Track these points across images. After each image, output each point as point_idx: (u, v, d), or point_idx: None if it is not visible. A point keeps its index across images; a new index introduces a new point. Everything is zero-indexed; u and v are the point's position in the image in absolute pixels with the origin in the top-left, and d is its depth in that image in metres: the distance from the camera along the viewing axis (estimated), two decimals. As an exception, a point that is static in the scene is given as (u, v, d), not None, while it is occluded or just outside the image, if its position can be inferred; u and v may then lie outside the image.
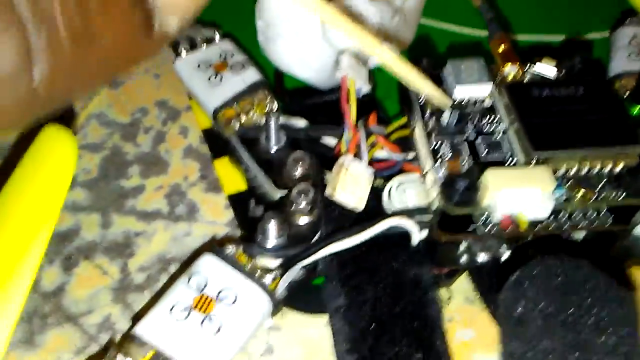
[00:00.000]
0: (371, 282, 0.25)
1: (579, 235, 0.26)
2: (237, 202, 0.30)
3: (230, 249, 0.24)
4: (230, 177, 0.31)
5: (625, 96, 0.30)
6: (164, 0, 0.14)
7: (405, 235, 0.26)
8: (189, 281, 0.23)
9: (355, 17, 0.27)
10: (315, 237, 0.26)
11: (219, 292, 0.22)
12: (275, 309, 0.25)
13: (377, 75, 0.33)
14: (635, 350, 0.19)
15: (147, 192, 0.30)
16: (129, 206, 0.30)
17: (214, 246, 0.24)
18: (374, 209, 0.27)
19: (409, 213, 0.26)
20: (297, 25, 0.28)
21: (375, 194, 0.27)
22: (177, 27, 0.15)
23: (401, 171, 0.28)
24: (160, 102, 0.34)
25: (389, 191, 0.27)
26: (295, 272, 0.26)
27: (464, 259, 0.26)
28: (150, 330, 0.22)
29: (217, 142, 0.31)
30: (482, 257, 0.26)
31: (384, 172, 0.28)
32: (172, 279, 0.24)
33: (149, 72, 0.36)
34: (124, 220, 0.29)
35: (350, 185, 0.24)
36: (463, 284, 0.27)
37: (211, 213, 0.30)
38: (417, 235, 0.26)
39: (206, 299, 0.22)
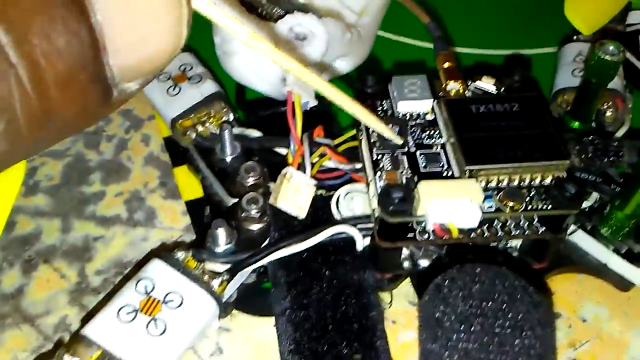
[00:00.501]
0: (316, 286, 0.27)
1: (516, 243, 0.28)
2: (194, 208, 0.31)
3: (180, 254, 0.25)
4: (189, 184, 0.32)
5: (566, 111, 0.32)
6: (123, 70, 0.14)
7: (350, 241, 0.27)
8: (136, 285, 0.24)
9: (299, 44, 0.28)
10: (265, 243, 0.27)
11: (166, 296, 0.24)
12: (224, 312, 0.26)
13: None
14: (550, 351, 0.20)
15: (107, 198, 0.31)
16: (89, 212, 0.31)
17: (163, 251, 0.25)
18: (324, 216, 0.29)
19: (355, 220, 0.28)
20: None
21: (325, 202, 0.29)
22: (137, 89, 0.15)
23: (351, 180, 0.29)
24: (124, 111, 0.35)
25: (337, 199, 0.29)
26: (244, 276, 0.27)
27: (406, 264, 0.27)
28: (98, 331, 0.23)
29: (177, 151, 0.32)
30: (423, 263, 0.27)
31: (333, 181, 0.29)
32: (123, 283, 0.25)
33: (114, 81, 0.37)
34: (84, 225, 0.30)
35: (291, 194, 0.25)
36: (408, 288, 0.28)
37: (169, 219, 0.31)
38: (361, 242, 0.27)
39: (153, 301, 0.23)
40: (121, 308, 0.23)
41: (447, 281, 0.21)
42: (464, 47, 0.38)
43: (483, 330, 0.20)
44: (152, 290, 0.24)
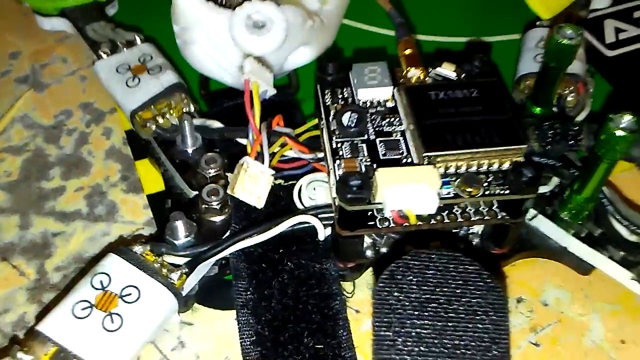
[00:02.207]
0: (277, 277, 0.26)
1: (478, 229, 0.28)
2: (156, 202, 0.30)
3: (137, 248, 0.25)
4: (151, 178, 0.31)
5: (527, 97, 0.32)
6: None
7: (312, 231, 0.27)
8: (92, 280, 0.23)
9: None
10: (226, 235, 0.27)
11: (122, 290, 0.23)
12: (185, 306, 0.26)
13: (300, 77, 0.34)
14: (504, 335, 0.20)
15: (67, 193, 0.31)
16: (49, 207, 0.30)
17: (121, 246, 0.25)
18: (286, 207, 0.28)
19: (316, 210, 0.28)
20: (209, 30, 0.29)
21: (288, 192, 0.29)
22: None
23: (314, 170, 0.29)
24: (84, 105, 0.35)
25: (299, 189, 0.28)
26: (205, 268, 0.27)
27: (368, 253, 0.27)
28: (53, 327, 0.22)
29: (139, 144, 0.32)
30: (386, 251, 0.27)
31: (296, 171, 0.29)
32: (80, 278, 0.24)
33: (75, 74, 0.36)
34: (43, 221, 0.30)
35: (248, 184, 0.25)
36: (371, 277, 0.28)
37: (130, 213, 0.30)
38: (323, 231, 0.27)
39: (109, 296, 0.23)
40: (76, 303, 0.23)
41: (401, 267, 0.21)
42: (427, 34, 0.38)
43: (437, 315, 0.20)
44: (108, 285, 0.23)
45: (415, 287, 0.20)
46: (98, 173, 0.32)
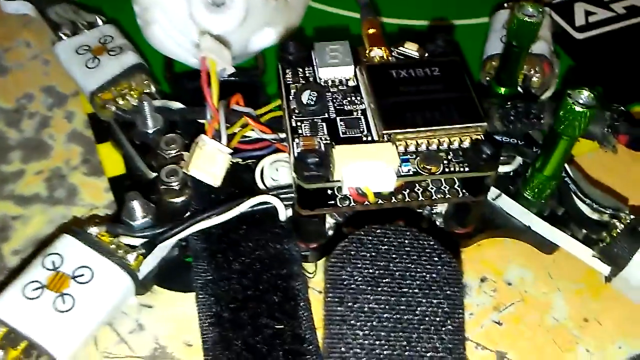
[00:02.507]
0: (237, 258, 0.26)
1: (441, 209, 0.28)
2: (118, 185, 0.30)
3: (92, 229, 0.24)
4: (113, 161, 0.31)
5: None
6: None
7: (274, 212, 0.27)
8: (43, 260, 0.23)
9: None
10: (185, 215, 0.27)
11: (75, 271, 0.23)
12: (143, 288, 0.25)
13: (266, 57, 0.34)
14: (457, 308, 0.20)
15: (26, 176, 0.30)
16: (8, 191, 0.30)
17: (73, 227, 0.24)
18: (248, 187, 0.28)
19: (278, 191, 0.27)
20: (167, 9, 0.29)
21: (250, 173, 0.28)
22: None
23: (278, 151, 0.29)
24: (47, 88, 0.34)
25: (262, 170, 0.28)
26: (164, 250, 0.26)
27: (331, 233, 0.27)
28: (3, 308, 0.22)
29: (102, 127, 0.31)
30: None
31: (259, 152, 0.29)
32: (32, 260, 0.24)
33: (37, 57, 0.36)
34: (2, 205, 0.29)
35: (203, 162, 0.25)
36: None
37: (91, 196, 0.30)
38: (284, 212, 0.27)
39: (60, 277, 0.23)
40: (27, 284, 0.22)
41: (354, 243, 0.21)
42: (392, 17, 0.38)
43: (391, 290, 0.20)
44: (60, 266, 0.23)
45: (368, 262, 0.20)
46: (59, 156, 0.31)
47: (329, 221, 0.27)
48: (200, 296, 0.25)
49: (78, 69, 0.30)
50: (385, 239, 0.21)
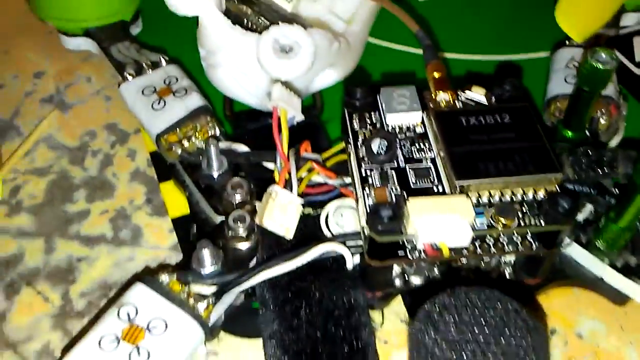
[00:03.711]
0: (305, 307, 0.26)
1: (510, 259, 0.27)
2: (181, 226, 0.30)
3: (164, 277, 0.24)
4: (175, 200, 0.31)
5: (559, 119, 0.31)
6: None
7: (340, 259, 0.27)
8: (118, 312, 0.23)
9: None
10: (253, 263, 0.27)
11: (149, 322, 0.23)
12: (211, 335, 0.25)
13: (325, 98, 0.34)
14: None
15: (92, 216, 0.31)
16: (74, 231, 0.30)
17: (146, 274, 0.24)
18: (313, 234, 0.28)
19: (344, 238, 0.27)
20: (235, 54, 0.29)
21: (315, 219, 0.28)
22: None
23: (341, 195, 0.29)
24: (109, 125, 0.35)
25: (326, 216, 0.28)
26: (232, 297, 0.26)
27: (397, 282, 0.27)
28: (80, 360, 0.22)
29: (164, 165, 0.32)
30: (415, 280, 0.27)
31: (322, 196, 0.28)
32: (107, 307, 0.24)
33: (99, 94, 0.36)
34: (68, 245, 0.30)
35: (277, 214, 0.25)
36: (399, 307, 0.28)
37: (155, 237, 0.30)
38: (351, 260, 0.27)
39: (135, 329, 0.23)
40: (103, 337, 0.22)
41: (437, 307, 0.20)
42: (454, 52, 0.38)
43: (475, 357, 0.19)
44: (134, 317, 0.23)
45: (452, 327, 0.20)
46: (122, 196, 0.32)
47: (395, 269, 0.27)
48: (268, 346, 0.25)
49: (144, 110, 0.31)
50: (468, 303, 0.20)
